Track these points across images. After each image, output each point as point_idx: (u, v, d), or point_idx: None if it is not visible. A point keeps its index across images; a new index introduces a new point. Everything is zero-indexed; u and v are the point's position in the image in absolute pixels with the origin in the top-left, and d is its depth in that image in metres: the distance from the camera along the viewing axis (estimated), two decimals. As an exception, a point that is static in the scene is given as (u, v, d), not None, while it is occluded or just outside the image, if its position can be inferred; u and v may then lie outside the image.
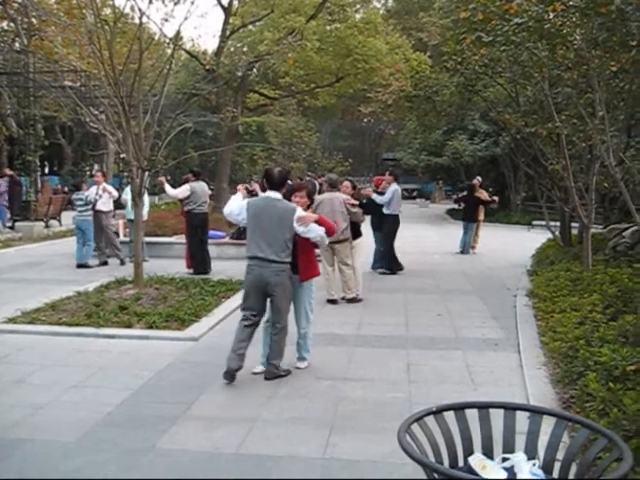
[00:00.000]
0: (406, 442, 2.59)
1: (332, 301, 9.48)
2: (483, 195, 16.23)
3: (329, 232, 6.23)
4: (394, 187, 12.09)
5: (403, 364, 6.51)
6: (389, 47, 21.26)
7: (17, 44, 24.84)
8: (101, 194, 12.91)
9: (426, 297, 10.11)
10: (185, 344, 7.20)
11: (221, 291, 9.63)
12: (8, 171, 21.81)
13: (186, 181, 12.44)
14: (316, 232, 6.03)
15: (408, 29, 36.34)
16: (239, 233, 14.38)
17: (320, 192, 13.98)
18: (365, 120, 48.23)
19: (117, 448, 4.51)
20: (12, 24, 27.06)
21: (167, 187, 12.48)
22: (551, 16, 7.75)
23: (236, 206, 6.22)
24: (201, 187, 12.18)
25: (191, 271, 11.97)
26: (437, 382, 5.95)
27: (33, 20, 25.50)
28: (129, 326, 7.73)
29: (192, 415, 5.14)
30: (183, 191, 11.95)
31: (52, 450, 4.49)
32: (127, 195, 12.83)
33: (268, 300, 6.04)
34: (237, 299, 9.28)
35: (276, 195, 6.01)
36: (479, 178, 16.83)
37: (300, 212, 5.99)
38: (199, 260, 12.11)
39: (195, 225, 12.11)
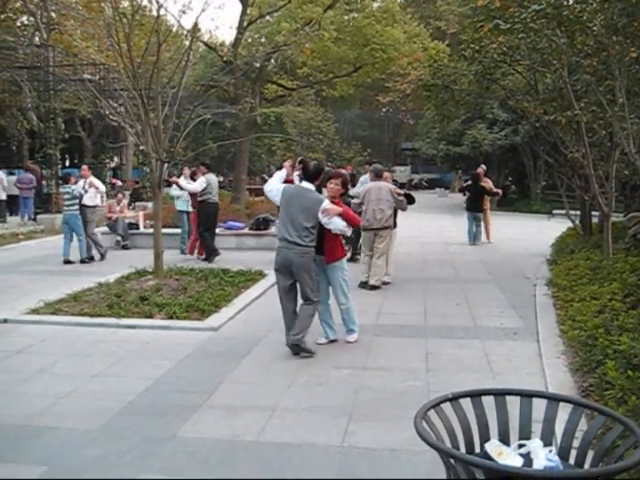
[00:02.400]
0: (422, 428, 2.61)
1: (364, 284, 9.86)
2: (488, 185, 15.90)
3: (352, 224, 6.66)
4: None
5: (422, 353, 6.53)
6: (407, 36, 21.17)
7: (37, 38, 25.05)
8: (87, 189, 12.52)
9: (445, 286, 10.11)
10: (205, 334, 7.27)
11: (240, 281, 9.69)
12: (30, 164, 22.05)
13: (194, 174, 13.03)
14: (336, 225, 6.45)
15: (426, 17, 36.17)
16: (258, 224, 14.45)
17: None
18: (383, 110, 48.05)
19: (138, 436, 4.58)
20: (32, 18, 27.31)
21: (184, 183, 12.72)
22: (570, 2, 7.69)
23: (276, 187, 6.70)
24: (213, 179, 12.72)
25: (202, 257, 12.56)
26: (455, 371, 5.97)
27: (52, 14, 25.70)
28: (150, 316, 7.81)
29: (212, 404, 5.20)
30: (201, 183, 12.29)
31: (75, 438, 4.57)
32: (175, 191, 13.15)
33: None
34: (256, 289, 9.41)
35: (309, 186, 6.54)
36: (483, 167, 16.51)
37: (326, 204, 6.41)
38: (213, 248, 12.54)
39: (210, 214, 12.53)
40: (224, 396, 5.37)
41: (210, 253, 12.50)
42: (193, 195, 12.77)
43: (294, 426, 4.74)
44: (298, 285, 6.52)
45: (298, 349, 6.40)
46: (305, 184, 6.58)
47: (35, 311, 8.20)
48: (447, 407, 2.90)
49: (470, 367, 6.09)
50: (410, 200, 10.50)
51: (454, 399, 2.92)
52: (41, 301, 8.54)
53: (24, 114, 29.32)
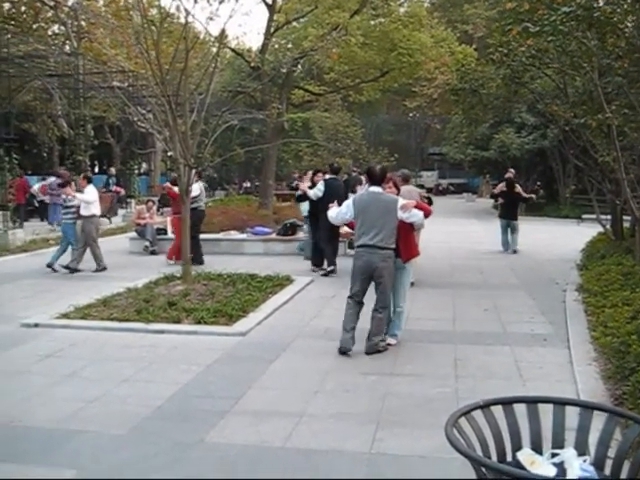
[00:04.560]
0: (453, 436, 2.57)
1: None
2: (521, 190, 15.49)
3: (427, 214, 6.90)
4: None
5: (450, 359, 6.47)
6: (434, 40, 21.08)
7: (67, 47, 25.40)
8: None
9: (473, 292, 10.03)
10: (233, 339, 7.26)
11: (268, 287, 9.69)
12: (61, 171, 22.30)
13: (175, 180, 12.71)
14: (418, 216, 6.72)
15: (453, 22, 36.02)
16: (285, 229, 14.46)
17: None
18: (410, 114, 47.88)
19: (167, 441, 4.59)
20: (63, 28, 27.74)
21: (177, 189, 12.72)
22: (601, 3, 7.59)
23: (343, 207, 6.89)
24: (203, 187, 13.24)
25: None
26: (485, 377, 5.90)
27: (82, 23, 26.06)
28: (178, 321, 7.83)
29: (240, 409, 5.19)
30: (195, 190, 12.35)
31: (104, 442, 4.59)
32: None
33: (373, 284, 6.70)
34: (284, 295, 9.40)
35: (378, 189, 6.73)
36: (512, 171, 16.11)
37: (401, 201, 6.63)
38: (200, 253, 12.71)
39: (199, 220, 12.84)
40: (252, 402, 5.37)
41: (198, 257, 12.56)
42: (179, 201, 12.81)
43: (321, 432, 4.71)
44: (376, 288, 6.66)
45: (373, 350, 6.61)
46: (374, 188, 6.74)
47: (65, 315, 8.27)
48: (478, 414, 2.85)
49: (499, 374, 6.01)
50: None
51: (485, 406, 2.88)
52: (71, 305, 8.61)
53: (55, 121, 29.78)
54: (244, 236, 14.87)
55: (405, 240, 6.83)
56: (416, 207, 6.74)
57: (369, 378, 5.93)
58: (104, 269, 12.27)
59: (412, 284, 10.10)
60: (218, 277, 10.04)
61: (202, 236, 13.80)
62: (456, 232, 19.48)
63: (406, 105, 41.31)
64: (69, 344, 7.17)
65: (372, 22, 20.83)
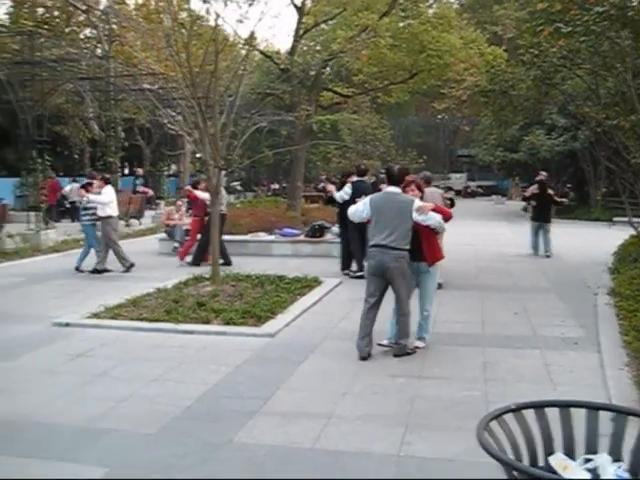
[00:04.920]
0: (485, 439, 2.55)
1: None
2: (553, 193, 15.28)
3: (446, 217, 6.79)
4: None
5: (479, 362, 6.42)
6: (463, 42, 20.94)
7: (99, 50, 25.70)
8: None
9: (502, 295, 9.94)
10: (261, 340, 7.29)
11: (296, 288, 9.70)
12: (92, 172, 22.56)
13: (197, 183, 13.39)
14: (435, 219, 6.59)
15: (482, 23, 35.76)
16: (314, 231, 14.48)
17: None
18: (439, 116, 47.71)
19: (196, 441, 4.62)
20: (94, 31, 28.07)
21: (199, 192, 12.90)
22: (634, 3, 7.49)
23: (360, 205, 6.92)
24: (223, 190, 13.07)
25: (188, 261, 13.00)
26: (514, 381, 5.85)
27: (114, 27, 26.35)
28: (207, 322, 7.87)
29: (268, 410, 5.21)
30: None
31: (134, 441, 4.64)
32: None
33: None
34: (312, 296, 9.42)
35: (396, 190, 6.70)
36: (544, 173, 15.93)
37: (418, 202, 6.56)
38: (200, 254, 12.87)
39: (220, 223, 12.55)
40: (280, 402, 5.38)
41: (198, 259, 12.85)
42: (199, 204, 13.07)
43: (350, 434, 4.71)
44: (393, 290, 6.63)
45: (402, 352, 6.62)
46: (391, 188, 6.72)
47: (96, 315, 8.37)
48: (510, 418, 2.83)
49: (529, 377, 5.95)
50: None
51: (517, 410, 2.85)
52: (101, 305, 8.71)
53: (86, 123, 30.12)
54: (272, 237, 14.92)
55: (428, 243, 6.77)
56: (435, 210, 6.66)
57: (397, 380, 5.91)
58: (132, 265, 12.39)
59: (440, 286, 10.12)
60: (247, 278, 10.08)
61: (230, 237, 13.92)
62: (484, 234, 19.35)
63: (435, 107, 41.17)
64: (99, 344, 7.25)
65: (401, 24, 20.74)
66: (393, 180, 6.78)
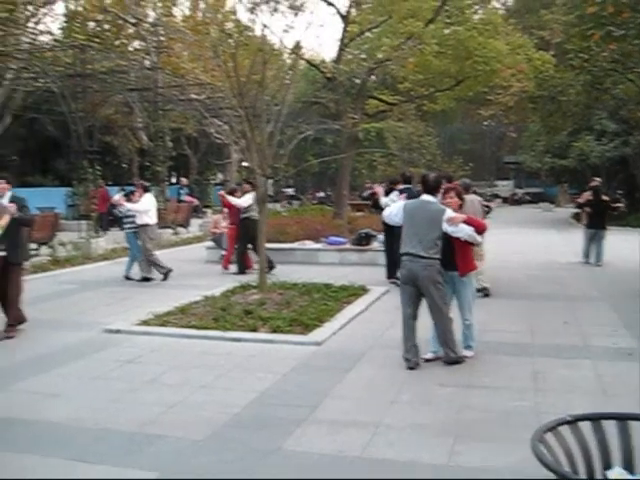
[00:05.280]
0: (540, 451, 2.51)
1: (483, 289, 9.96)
2: (606, 199, 14.93)
3: (479, 230, 6.63)
4: None
5: (528, 372, 6.32)
6: (510, 47, 20.67)
7: (147, 62, 26.17)
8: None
9: (552, 304, 9.76)
10: (309, 348, 7.30)
11: (343, 296, 9.69)
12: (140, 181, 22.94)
13: (233, 191, 13.75)
14: (464, 231, 6.45)
15: (529, 28, 35.26)
16: (360, 239, 14.45)
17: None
18: (485, 123, 47.23)
19: (244, 448, 4.64)
20: (143, 43, 28.63)
21: (233, 199, 13.16)
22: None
23: (394, 208, 6.94)
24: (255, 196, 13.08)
25: (233, 271, 13.11)
26: (565, 391, 5.73)
27: (162, 39, 26.83)
28: (254, 330, 7.91)
29: (316, 418, 5.21)
30: (247, 200, 12.87)
31: (183, 447, 4.69)
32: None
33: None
34: (359, 304, 9.40)
35: (430, 198, 6.63)
36: (598, 179, 15.56)
37: (449, 213, 6.42)
38: (244, 262, 13.06)
39: (253, 230, 12.72)
40: (328, 411, 5.38)
41: (242, 269, 12.96)
42: (234, 211, 13.25)
43: (398, 443, 4.68)
44: (425, 299, 6.55)
45: (451, 360, 6.53)
46: (426, 197, 6.65)
47: (145, 322, 8.49)
48: (565, 430, 2.77)
49: (581, 388, 5.83)
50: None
51: (572, 422, 2.79)
52: (150, 313, 8.83)
53: (135, 133, 30.70)
54: (319, 246, 14.94)
55: (461, 253, 6.63)
56: (468, 222, 6.49)
57: (446, 390, 5.86)
58: (169, 271, 12.45)
59: (487, 295, 10.08)
60: (294, 286, 10.12)
61: (277, 245, 13.99)
62: (532, 242, 19.06)
63: (481, 113, 40.73)
64: (149, 350, 7.35)
65: (446, 30, 20.61)
66: (428, 188, 6.69)
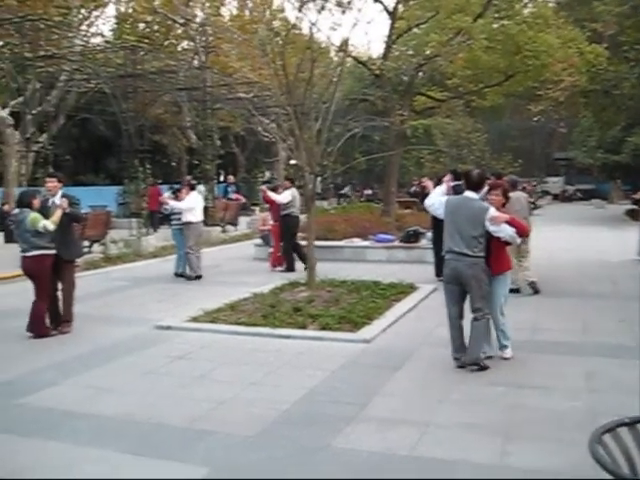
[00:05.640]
0: (598, 453, 2.46)
1: (516, 290, 9.80)
2: None
3: (521, 232, 6.54)
4: None
5: (581, 372, 6.21)
6: (561, 41, 20.28)
7: (196, 61, 26.49)
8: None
9: (604, 302, 9.55)
10: (357, 346, 7.29)
11: (392, 294, 9.67)
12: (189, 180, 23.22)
13: (275, 188, 13.89)
14: (506, 232, 6.34)
15: (581, 20, 34.54)
16: (408, 237, 14.38)
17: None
18: (535, 119, 46.43)
19: (294, 445, 4.67)
20: (192, 43, 28.99)
21: (273, 194, 13.32)
22: None
23: (438, 201, 6.84)
24: (297, 193, 13.41)
25: (282, 268, 13.12)
26: (621, 393, 5.59)
27: (210, 38, 27.13)
28: (303, 327, 7.95)
29: (366, 416, 5.21)
30: (287, 196, 13.06)
31: (234, 443, 4.74)
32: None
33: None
34: (408, 302, 9.36)
35: (473, 195, 6.49)
36: None
37: (493, 212, 6.30)
38: (292, 259, 13.11)
39: (293, 227, 13.24)
40: (377, 409, 5.37)
41: (290, 266, 13.04)
42: (275, 208, 13.36)
43: (448, 443, 4.65)
44: (468, 297, 6.43)
45: (472, 361, 6.32)
46: (469, 193, 6.53)
47: (195, 319, 8.61)
48: (624, 432, 2.71)
49: (636, 390, 5.68)
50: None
51: (632, 424, 2.72)
52: (200, 309, 8.95)
53: (184, 132, 31.12)
54: (367, 243, 14.94)
55: (496, 253, 6.49)
56: (511, 223, 6.35)
57: (496, 389, 5.79)
58: (197, 277, 12.43)
59: (536, 291, 10.09)
60: (342, 284, 10.13)
61: (325, 243, 14.01)
62: (584, 239, 18.68)
63: (530, 109, 40.09)
64: (199, 347, 7.45)
65: (495, 25, 20.35)
66: (471, 185, 6.57)
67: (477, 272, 6.29)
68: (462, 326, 6.51)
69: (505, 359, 6.63)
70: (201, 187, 21.36)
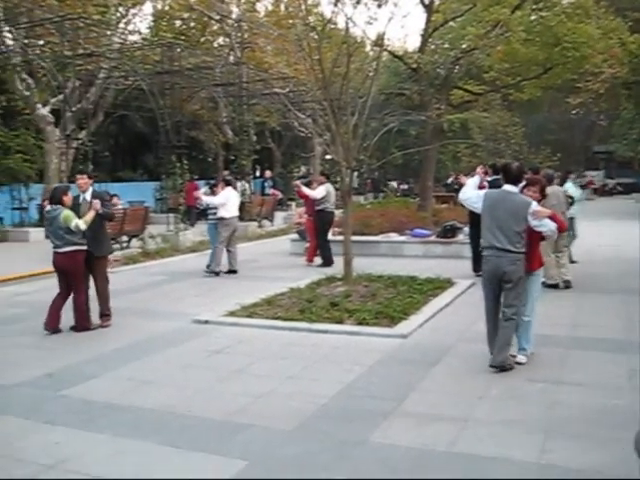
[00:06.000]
0: (644, 451, 2.41)
1: (554, 286, 9.91)
2: None
3: (560, 228, 6.45)
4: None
5: (624, 370, 6.09)
6: (602, 31, 19.91)
7: (232, 57, 26.60)
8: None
9: (648, 299, 9.37)
10: (394, 341, 7.27)
11: (429, 289, 9.61)
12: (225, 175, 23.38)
13: (309, 183, 14.00)
14: (549, 227, 6.24)
15: (622, 10, 33.88)
16: (445, 231, 14.28)
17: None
18: (574, 112, 45.68)
19: (331, 439, 4.67)
20: (227, 39, 29.12)
21: (307, 190, 13.36)
22: None
23: (475, 194, 6.69)
24: (332, 188, 13.43)
25: (318, 263, 13.14)
26: (664, 391, 5.49)
27: (245, 35, 27.24)
28: (340, 322, 7.94)
29: (403, 411, 5.19)
30: (321, 192, 13.08)
31: (272, 437, 4.76)
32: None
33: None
34: (445, 297, 9.31)
35: (513, 189, 6.34)
36: None
37: (535, 206, 6.19)
38: (329, 254, 13.08)
39: (327, 222, 13.31)
40: (415, 404, 5.35)
41: (328, 259, 13.04)
42: (309, 203, 13.39)
43: (487, 439, 4.60)
44: (504, 294, 6.25)
45: (498, 364, 6.13)
46: (508, 187, 6.36)
47: (232, 313, 8.66)
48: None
49: (681, 388, 5.58)
50: None
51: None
52: (237, 304, 9.00)
53: (220, 128, 31.28)
54: (403, 238, 14.88)
55: (531, 250, 6.32)
56: (552, 218, 6.27)
57: (536, 385, 5.73)
58: (215, 274, 12.39)
59: (569, 286, 10.13)
60: (379, 279, 10.09)
61: (362, 238, 13.99)
62: (625, 234, 18.27)
63: (569, 102, 39.48)
64: (237, 341, 7.50)
65: (533, 17, 20.06)
66: (510, 178, 6.38)
67: (519, 269, 6.14)
68: (498, 325, 6.34)
69: (519, 364, 6.32)
70: (243, 182, 21.55)
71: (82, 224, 7.91)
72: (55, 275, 8.39)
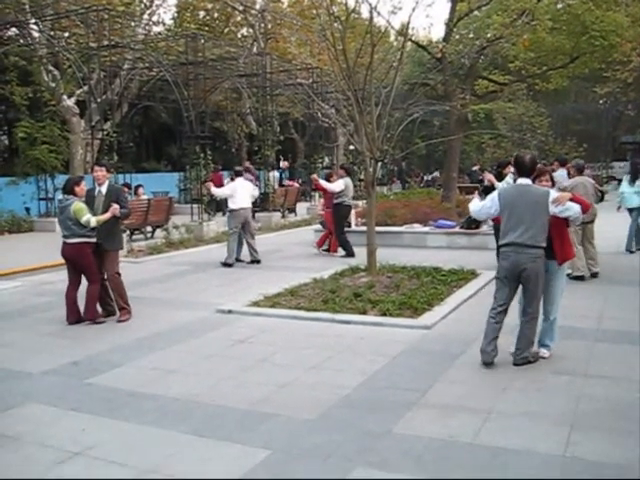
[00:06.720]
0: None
1: (580, 277, 9.95)
2: None
3: (584, 209, 6.22)
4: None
5: (651, 363, 6.02)
6: (631, 19, 19.60)
7: (255, 48, 26.61)
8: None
9: (676, 291, 9.24)
10: (418, 332, 7.26)
11: (453, 280, 9.58)
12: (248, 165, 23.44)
13: (329, 176, 13.90)
14: (574, 210, 6.06)
15: (652, -2, 33.37)
16: (469, 223, 14.19)
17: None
18: (601, 101, 45.08)
19: (355, 429, 4.67)
20: (251, 30, 29.13)
21: (325, 183, 13.40)
22: None
23: (484, 202, 6.46)
24: (350, 182, 13.52)
25: (342, 254, 13.17)
26: (693, 384, 5.42)
27: (269, 25, 27.23)
28: (363, 312, 7.94)
29: (427, 402, 5.17)
30: (339, 185, 13.14)
31: (295, 426, 4.77)
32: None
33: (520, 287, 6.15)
34: (469, 289, 9.26)
35: (527, 181, 6.17)
36: None
37: (554, 193, 6.09)
38: (350, 246, 13.15)
39: (344, 215, 13.43)
40: (438, 395, 5.33)
41: (350, 250, 13.07)
42: (329, 195, 13.46)
43: (511, 431, 4.57)
44: (523, 292, 6.12)
45: (523, 362, 6.05)
46: (522, 180, 6.17)
47: (256, 303, 8.70)
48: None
49: None
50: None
51: None
52: (261, 294, 9.03)
53: (243, 119, 31.34)
54: (427, 229, 14.82)
55: (561, 239, 6.16)
56: (574, 200, 6.09)
57: (561, 378, 5.68)
58: (227, 265, 12.40)
59: (596, 273, 10.32)
60: (402, 269, 10.05)
61: (385, 229, 13.99)
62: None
63: (596, 92, 39.00)
64: (260, 331, 7.52)
65: (560, 5, 19.80)
66: (524, 171, 6.18)
67: (540, 266, 5.96)
68: (503, 323, 6.16)
69: (543, 357, 6.25)
70: (275, 173, 21.57)
71: (93, 222, 7.93)
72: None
